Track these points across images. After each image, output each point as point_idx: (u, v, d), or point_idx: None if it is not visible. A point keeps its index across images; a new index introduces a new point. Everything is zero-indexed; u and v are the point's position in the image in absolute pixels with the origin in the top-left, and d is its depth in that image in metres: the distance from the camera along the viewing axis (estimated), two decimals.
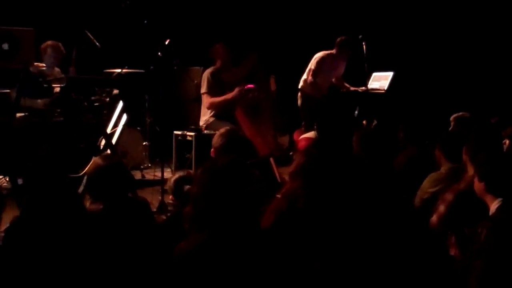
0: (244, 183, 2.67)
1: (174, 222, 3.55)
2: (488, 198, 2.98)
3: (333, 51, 7.40)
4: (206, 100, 6.16)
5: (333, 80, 7.59)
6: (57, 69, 6.25)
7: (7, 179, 5.37)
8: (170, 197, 3.94)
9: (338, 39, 7.35)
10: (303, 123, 7.41)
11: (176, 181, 3.78)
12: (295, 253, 2.84)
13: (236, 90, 6.04)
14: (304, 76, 7.49)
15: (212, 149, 4.26)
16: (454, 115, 5.68)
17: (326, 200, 3.04)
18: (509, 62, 8.32)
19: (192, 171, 3.89)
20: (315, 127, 5.90)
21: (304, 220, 2.96)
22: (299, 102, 7.56)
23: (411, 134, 5.07)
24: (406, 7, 8.79)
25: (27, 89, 5.20)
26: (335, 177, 3.21)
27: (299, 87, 7.53)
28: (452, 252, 2.98)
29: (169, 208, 5.03)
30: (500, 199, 2.92)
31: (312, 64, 7.40)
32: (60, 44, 6.26)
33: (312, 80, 7.31)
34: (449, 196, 3.31)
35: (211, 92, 6.12)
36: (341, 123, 7.06)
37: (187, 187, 3.64)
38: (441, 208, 3.29)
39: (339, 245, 2.92)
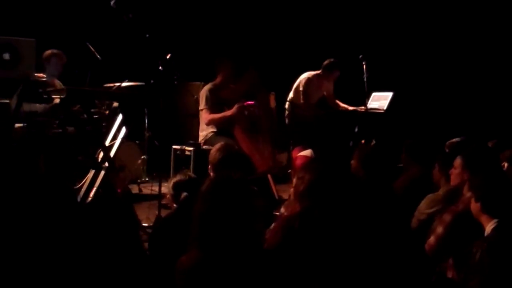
0: (245, 199, 2.66)
1: (169, 224, 3.55)
2: (483, 219, 2.98)
3: (319, 71, 7.49)
4: (205, 116, 6.14)
5: (326, 98, 7.64)
6: (57, 81, 6.25)
7: None
8: (168, 196, 3.93)
9: (325, 62, 7.46)
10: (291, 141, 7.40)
11: (175, 184, 3.76)
12: (302, 273, 2.80)
13: (235, 107, 6.02)
14: (291, 95, 7.59)
15: (209, 165, 4.25)
16: (448, 142, 5.65)
17: (337, 216, 3.00)
18: (508, 84, 8.35)
19: (192, 174, 3.87)
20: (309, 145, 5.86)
21: (319, 237, 2.91)
22: (287, 120, 7.61)
23: (415, 153, 5.00)
24: (406, 28, 8.83)
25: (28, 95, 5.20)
26: (342, 193, 3.17)
27: (286, 106, 7.60)
28: (450, 274, 2.97)
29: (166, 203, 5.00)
30: (495, 220, 2.92)
31: (300, 86, 7.48)
32: (62, 52, 6.28)
33: (304, 101, 7.42)
34: (447, 217, 3.30)
35: (210, 108, 6.10)
36: (338, 142, 7.08)
37: (184, 194, 3.64)
38: (439, 229, 3.29)
39: (340, 266, 2.89)
